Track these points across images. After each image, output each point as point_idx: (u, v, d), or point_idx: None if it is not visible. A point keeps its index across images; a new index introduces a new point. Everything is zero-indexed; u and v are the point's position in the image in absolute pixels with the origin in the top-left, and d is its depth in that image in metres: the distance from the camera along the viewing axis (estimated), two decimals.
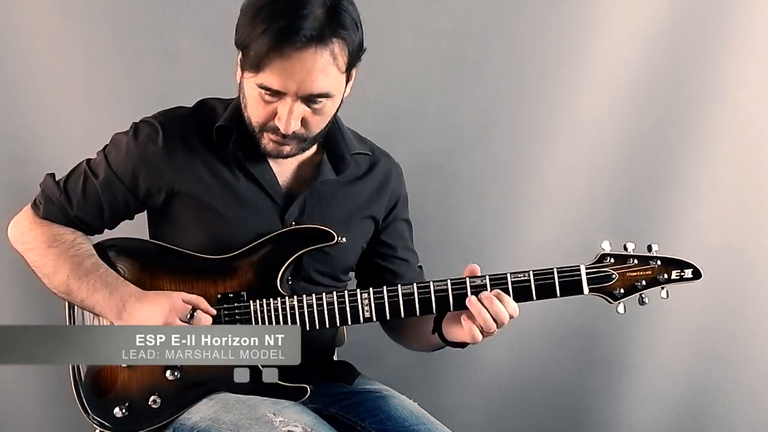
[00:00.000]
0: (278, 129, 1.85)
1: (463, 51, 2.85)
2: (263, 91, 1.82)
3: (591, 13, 2.82)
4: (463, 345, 1.93)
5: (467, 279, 1.85)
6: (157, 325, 1.84)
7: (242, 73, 1.87)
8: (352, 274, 2.12)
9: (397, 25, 2.78)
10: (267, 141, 1.89)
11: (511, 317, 1.83)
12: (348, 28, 1.81)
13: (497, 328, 1.83)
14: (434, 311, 1.87)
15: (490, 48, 2.84)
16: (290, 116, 1.82)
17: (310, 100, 1.82)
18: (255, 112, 1.87)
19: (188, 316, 1.85)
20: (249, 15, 1.80)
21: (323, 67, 1.79)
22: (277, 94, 1.82)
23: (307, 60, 1.77)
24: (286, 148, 1.90)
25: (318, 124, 1.88)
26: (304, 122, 1.85)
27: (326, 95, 1.83)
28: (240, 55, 1.86)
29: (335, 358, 2.23)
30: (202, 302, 1.88)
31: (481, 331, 1.83)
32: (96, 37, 2.75)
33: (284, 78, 1.79)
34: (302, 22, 1.76)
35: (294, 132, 1.85)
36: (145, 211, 2.04)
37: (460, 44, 2.84)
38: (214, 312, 1.89)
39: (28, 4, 2.71)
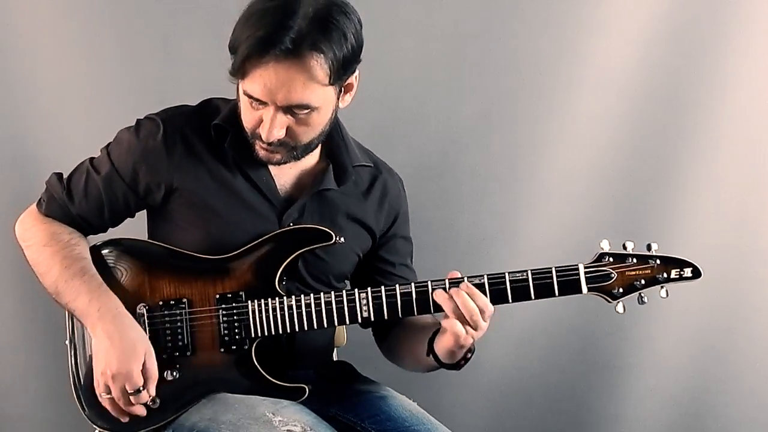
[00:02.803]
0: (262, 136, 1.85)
1: (463, 51, 2.85)
2: (249, 99, 1.83)
3: (591, 13, 2.82)
4: (457, 366, 1.91)
5: (465, 278, 1.84)
6: (107, 367, 1.84)
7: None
8: (347, 283, 2.11)
9: (397, 25, 2.78)
10: (258, 148, 1.90)
11: (482, 312, 1.81)
12: (332, 40, 1.78)
13: (471, 326, 1.81)
14: (432, 311, 1.86)
15: (490, 48, 2.84)
16: (272, 125, 1.82)
17: (291, 110, 1.82)
18: (245, 118, 1.88)
19: (133, 391, 1.85)
20: (242, 21, 1.81)
21: (301, 81, 1.78)
22: (260, 102, 1.82)
23: (281, 73, 1.77)
24: (276, 156, 1.90)
25: (305, 134, 1.87)
26: (289, 131, 1.85)
27: (306, 107, 1.82)
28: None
29: (335, 358, 2.23)
30: (153, 383, 1.86)
31: (461, 324, 1.81)
32: (96, 38, 2.75)
33: (262, 87, 1.79)
34: (282, 34, 1.75)
35: (279, 140, 1.85)
36: (145, 210, 2.04)
37: (460, 44, 2.84)
38: (153, 395, 1.86)
39: (28, 4, 2.72)
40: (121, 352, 1.85)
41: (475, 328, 1.81)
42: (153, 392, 1.86)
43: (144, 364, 1.85)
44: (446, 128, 2.87)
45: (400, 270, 2.11)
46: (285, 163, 1.93)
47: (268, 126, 1.83)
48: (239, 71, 1.80)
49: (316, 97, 1.81)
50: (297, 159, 1.93)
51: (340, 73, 1.82)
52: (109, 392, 1.86)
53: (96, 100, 2.75)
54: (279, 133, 1.84)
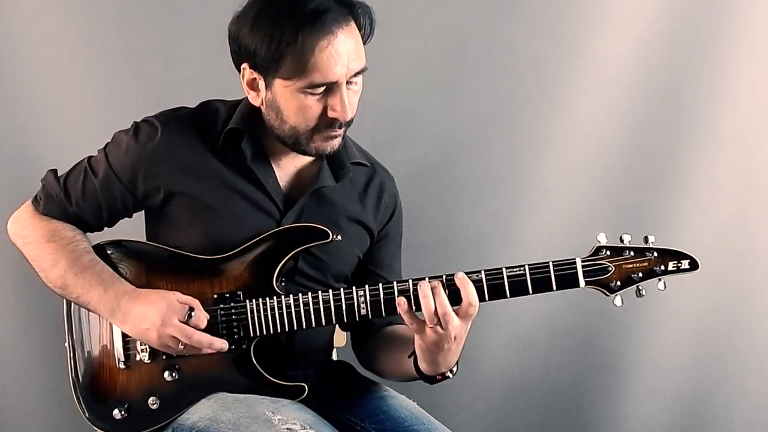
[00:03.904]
0: (334, 122, 1.84)
1: (463, 51, 2.85)
2: (311, 92, 1.82)
3: (590, 12, 2.82)
4: (432, 380, 1.89)
5: (464, 274, 1.83)
6: (154, 324, 1.84)
7: (268, 90, 1.86)
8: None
9: (397, 25, 2.78)
10: (318, 142, 1.88)
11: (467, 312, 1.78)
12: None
13: (441, 326, 1.76)
14: None
15: (490, 48, 2.84)
16: (345, 102, 1.82)
17: (351, 80, 1.83)
18: (302, 117, 1.85)
19: (186, 317, 1.85)
20: (265, 28, 1.79)
21: (357, 41, 1.81)
22: (327, 88, 1.81)
23: (347, 40, 1.79)
24: (337, 141, 1.89)
25: (356, 104, 1.88)
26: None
27: (364, 69, 1.84)
28: (254, 76, 1.85)
29: (334, 358, 2.23)
30: (197, 304, 1.87)
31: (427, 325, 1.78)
32: (96, 37, 2.76)
33: (335, 65, 1.78)
34: (324, 8, 1.77)
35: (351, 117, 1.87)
36: (143, 211, 2.04)
37: (460, 44, 2.84)
38: (208, 316, 1.88)
39: (28, 4, 2.72)
40: (150, 305, 1.85)
41: (443, 328, 1.77)
42: (203, 311, 1.86)
43: (177, 300, 1.86)
44: (446, 128, 2.87)
45: (386, 271, 2.11)
46: (340, 147, 1.92)
47: (344, 104, 1.82)
48: (301, 69, 1.78)
49: (364, 55, 1.84)
50: (344, 139, 1.93)
51: (371, 29, 1.86)
52: (177, 342, 1.85)
53: (96, 99, 2.75)
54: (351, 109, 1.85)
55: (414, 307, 1.80)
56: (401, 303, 1.78)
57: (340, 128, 1.87)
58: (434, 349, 1.81)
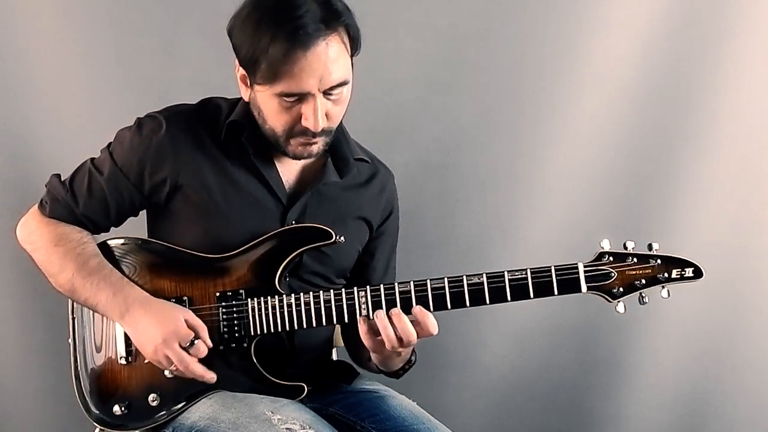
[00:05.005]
0: (307, 130, 1.85)
1: (463, 51, 2.85)
2: (284, 99, 1.82)
3: (591, 12, 2.82)
4: (396, 375, 2.00)
5: (464, 277, 1.84)
6: (155, 340, 1.85)
7: (252, 89, 1.87)
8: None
9: (397, 25, 2.79)
10: (295, 146, 1.89)
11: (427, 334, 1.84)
12: (344, 13, 1.83)
13: (403, 346, 1.84)
14: (432, 309, 1.86)
15: (490, 48, 2.84)
16: (317, 114, 1.83)
17: (330, 92, 1.83)
18: (278, 121, 1.87)
19: (188, 344, 1.86)
20: (248, 31, 1.81)
21: (337, 56, 1.80)
22: (300, 97, 1.82)
23: (321, 54, 1.78)
24: (315, 147, 1.90)
25: (339, 114, 1.89)
26: (327, 115, 1.86)
27: (345, 82, 1.84)
28: (244, 73, 1.86)
29: (334, 358, 2.24)
30: (204, 332, 1.88)
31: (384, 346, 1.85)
32: (96, 37, 2.75)
33: (305, 78, 1.79)
34: (304, 20, 1.77)
35: (323, 128, 1.86)
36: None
37: (460, 44, 2.84)
38: (211, 345, 1.88)
39: (28, 4, 2.72)
40: (159, 320, 1.86)
41: (404, 347, 1.86)
42: (208, 340, 1.88)
43: (186, 321, 1.87)
44: (446, 128, 2.87)
45: (381, 267, 2.13)
46: (320, 153, 1.93)
47: (314, 116, 1.83)
48: (272, 77, 1.80)
49: (348, 69, 1.85)
50: (327, 146, 1.93)
51: (356, 43, 1.86)
52: (170, 363, 1.86)
53: (96, 99, 2.75)
54: (325, 120, 1.85)
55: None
56: (361, 323, 1.85)
57: (314, 137, 1.87)
58: (391, 358, 1.92)
